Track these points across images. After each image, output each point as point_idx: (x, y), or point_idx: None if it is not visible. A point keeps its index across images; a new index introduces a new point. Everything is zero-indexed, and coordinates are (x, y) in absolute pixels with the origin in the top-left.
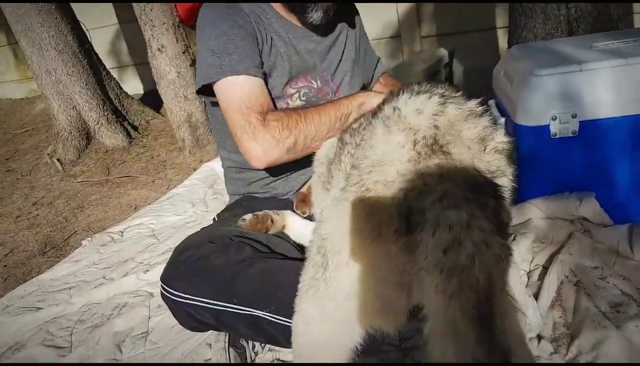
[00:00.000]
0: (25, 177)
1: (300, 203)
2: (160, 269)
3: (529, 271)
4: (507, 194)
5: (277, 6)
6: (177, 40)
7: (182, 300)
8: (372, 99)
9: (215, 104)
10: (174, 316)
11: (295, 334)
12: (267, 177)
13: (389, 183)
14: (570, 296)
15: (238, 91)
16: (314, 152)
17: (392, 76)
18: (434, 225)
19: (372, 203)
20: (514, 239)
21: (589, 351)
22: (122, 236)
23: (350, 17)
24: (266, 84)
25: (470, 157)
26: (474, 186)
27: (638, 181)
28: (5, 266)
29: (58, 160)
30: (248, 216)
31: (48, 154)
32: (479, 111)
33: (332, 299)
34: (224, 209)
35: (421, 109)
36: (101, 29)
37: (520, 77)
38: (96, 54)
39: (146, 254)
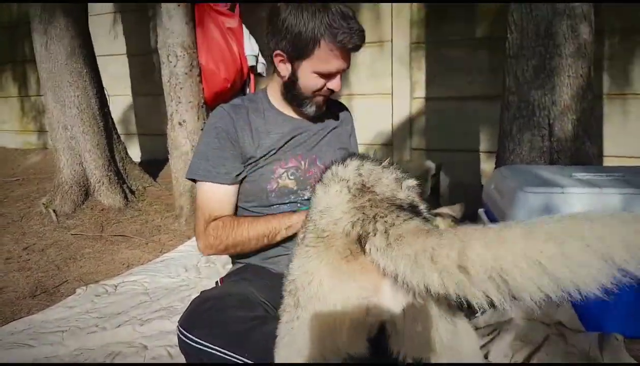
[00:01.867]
0: (16, 223)
1: None
2: (154, 325)
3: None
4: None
5: (276, 102)
6: (198, 118)
7: (200, 347)
8: (298, 223)
9: None
10: (187, 361)
11: None
12: (271, 252)
13: (337, 221)
14: None
15: (201, 195)
16: None
17: None
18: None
19: (328, 238)
20: (498, 333)
21: None
22: (115, 290)
23: (345, 118)
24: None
25: (391, 192)
26: (398, 206)
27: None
28: None
29: (53, 211)
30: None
31: (43, 203)
32: (392, 167)
33: (308, 345)
34: (229, 273)
35: (347, 164)
36: (116, 96)
37: (510, 191)
38: (112, 119)
39: (139, 310)
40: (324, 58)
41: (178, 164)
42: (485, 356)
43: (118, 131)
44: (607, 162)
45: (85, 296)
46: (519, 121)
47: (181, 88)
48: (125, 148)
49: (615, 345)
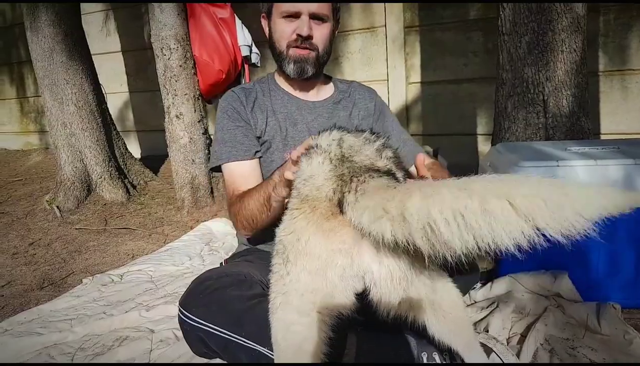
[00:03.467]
0: (20, 220)
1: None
2: (161, 310)
3: (508, 338)
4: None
5: (280, 81)
6: (194, 110)
7: (198, 325)
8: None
9: None
10: (187, 340)
11: (278, 347)
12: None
13: (320, 187)
14: (545, 360)
15: (226, 177)
16: None
17: None
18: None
19: (312, 201)
20: (496, 306)
21: None
22: (121, 279)
23: (363, 100)
24: (266, 151)
25: (370, 161)
26: (375, 171)
27: (604, 264)
28: (3, 295)
29: (57, 207)
30: None
31: (47, 200)
32: (373, 138)
33: (300, 296)
34: (233, 255)
35: (327, 138)
36: (113, 94)
37: (506, 167)
38: (110, 115)
39: (145, 297)
40: None
41: (177, 156)
42: (485, 329)
43: (117, 127)
44: (604, 137)
45: (92, 286)
46: (513, 98)
47: (176, 81)
48: (124, 144)
49: (613, 314)
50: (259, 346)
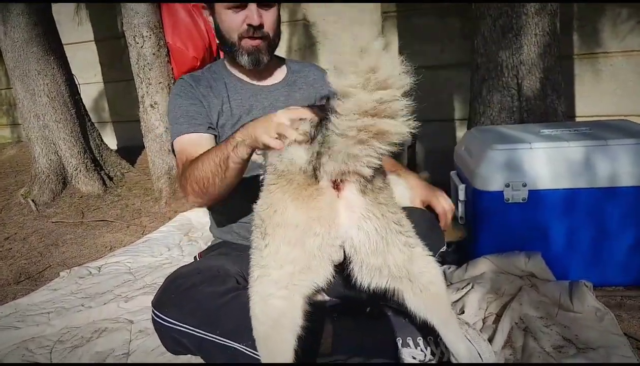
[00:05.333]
0: None
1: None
2: (139, 301)
3: (484, 318)
4: None
5: (232, 68)
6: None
7: (170, 325)
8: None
9: None
10: (160, 339)
11: (256, 321)
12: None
13: (294, 161)
14: (519, 338)
15: (179, 148)
16: None
17: None
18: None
19: (288, 175)
20: (472, 287)
21: None
22: (99, 271)
23: (318, 81)
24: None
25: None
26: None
27: (576, 244)
28: None
29: (32, 201)
30: None
31: (22, 194)
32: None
33: (278, 268)
34: (207, 249)
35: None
36: (87, 85)
37: (480, 150)
38: (84, 106)
39: (124, 288)
40: None
41: (153, 146)
42: (461, 310)
43: (91, 118)
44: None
45: (69, 279)
46: (488, 82)
47: (150, 69)
48: (100, 135)
49: (584, 292)
50: (234, 343)
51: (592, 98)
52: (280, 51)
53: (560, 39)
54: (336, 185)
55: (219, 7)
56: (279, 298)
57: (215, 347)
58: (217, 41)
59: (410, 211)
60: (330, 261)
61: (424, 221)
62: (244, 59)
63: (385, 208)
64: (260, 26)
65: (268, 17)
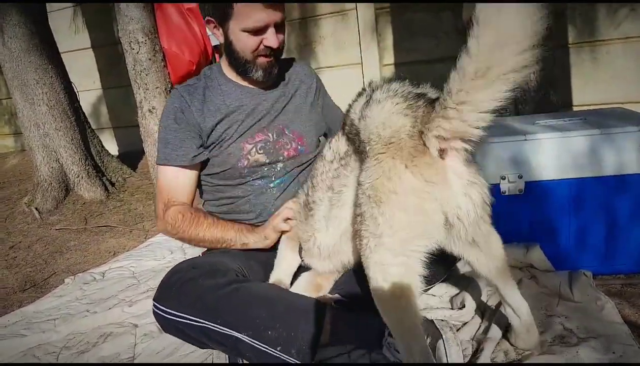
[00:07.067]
0: (0, 224)
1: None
2: (143, 304)
3: (484, 310)
4: None
5: (230, 74)
6: None
7: (172, 317)
8: (255, 244)
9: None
10: (166, 332)
11: (380, 290)
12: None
13: (400, 128)
14: None
15: (162, 178)
16: None
17: None
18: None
19: (396, 143)
20: (472, 281)
21: None
22: (103, 276)
23: (305, 76)
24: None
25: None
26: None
27: (574, 234)
28: None
29: (36, 209)
30: None
31: (25, 203)
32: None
33: (393, 234)
34: (207, 249)
35: (389, 85)
36: (86, 92)
37: None
38: (83, 113)
39: (128, 292)
40: (245, 13)
41: (153, 151)
42: (462, 304)
43: (91, 125)
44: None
45: (74, 285)
46: None
47: (147, 74)
48: (100, 142)
49: (584, 281)
50: (235, 332)
51: (588, 87)
52: None
53: (553, 28)
54: (442, 154)
55: (233, 27)
56: (397, 265)
57: (219, 335)
58: (226, 56)
59: None
60: (444, 227)
61: None
62: (258, 74)
63: (483, 179)
64: (278, 48)
65: (281, 37)
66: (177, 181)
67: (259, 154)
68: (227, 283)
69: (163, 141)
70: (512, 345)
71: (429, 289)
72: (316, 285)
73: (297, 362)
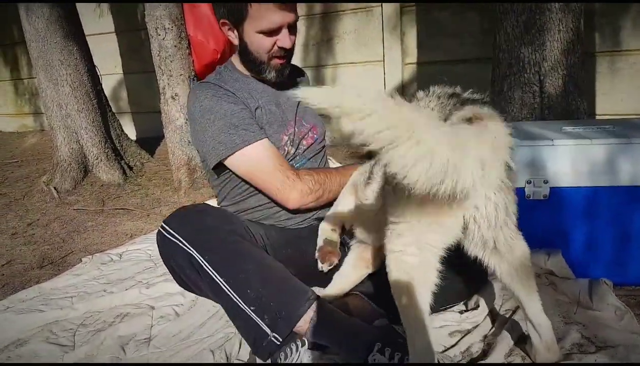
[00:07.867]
0: (18, 201)
1: (329, 255)
2: (161, 287)
3: (499, 314)
4: None
5: (244, 71)
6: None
7: (168, 236)
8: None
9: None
10: (160, 252)
11: (391, 276)
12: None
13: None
14: None
15: (257, 157)
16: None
17: None
18: None
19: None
20: (488, 284)
21: None
22: (120, 258)
23: (300, 73)
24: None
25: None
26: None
27: (595, 242)
28: (3, 274)
29: (54, 188)
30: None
31: (44, 182)
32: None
33: (408, 223)
34: None
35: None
36: (108, 76)
37: None
38: (105, 96)
39: (145, 275)
40: (259, 15)
41: (174, 137)
42: (476, 305)
43: (112, 109)
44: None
45: (91, 265)
46: (509, 78)
47: (171, 61)
48: (120, 125)
49: (604, 290)
50: (217, 275)
51: (613, 96)
52: (297, 45)
53: (583, 36)
54: None
55: (248, 29)
56: (410, 255)
57: (201, 269)
58: (240, 56)
59: None
60: (461, 223)
61: None
62: (272, 75)
63: (510, 182)
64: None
65: (293, 38)
66: (272, 149)
67: (290, 146)
68: (230, 231)
69: (227, 127)
70: (529, 357)
71: (450, 307)
72: (365, 260)
73: (267, 330)
